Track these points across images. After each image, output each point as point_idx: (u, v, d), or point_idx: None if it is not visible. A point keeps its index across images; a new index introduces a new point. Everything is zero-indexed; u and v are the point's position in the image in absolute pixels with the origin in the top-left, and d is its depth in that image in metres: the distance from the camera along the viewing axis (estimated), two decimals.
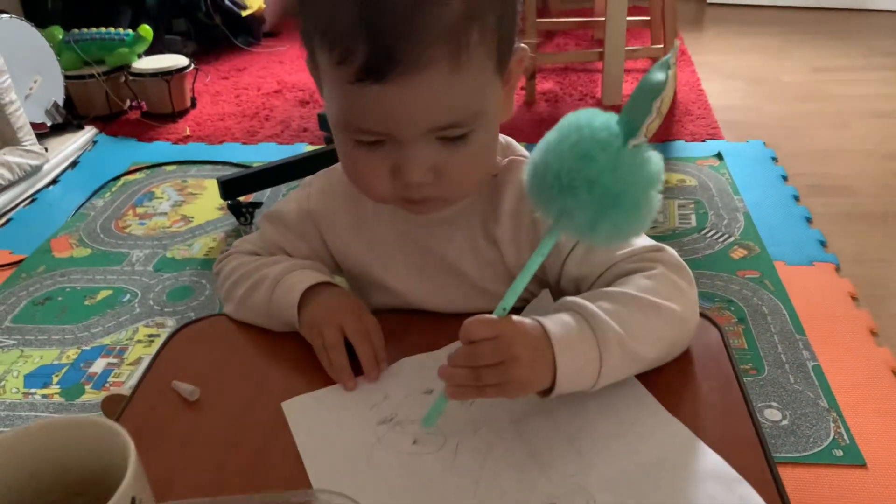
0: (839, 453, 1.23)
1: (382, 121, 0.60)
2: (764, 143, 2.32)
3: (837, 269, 1.72)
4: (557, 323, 0.60)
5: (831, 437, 1.26)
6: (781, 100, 2.66)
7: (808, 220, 1.91)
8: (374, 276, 0.77)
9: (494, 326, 0.57)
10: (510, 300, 0.58)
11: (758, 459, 0.58)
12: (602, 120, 0.54)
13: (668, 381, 0.65)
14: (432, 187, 0.63)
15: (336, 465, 0.59)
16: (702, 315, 0.72)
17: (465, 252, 0.73)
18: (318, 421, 0.64)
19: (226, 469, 0.60)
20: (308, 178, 0.80)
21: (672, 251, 0.68)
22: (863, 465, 1.21)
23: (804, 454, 1.23)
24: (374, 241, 0.75)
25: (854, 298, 1.62)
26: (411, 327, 0.74)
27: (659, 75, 0.53)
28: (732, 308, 1.59)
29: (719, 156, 2.25)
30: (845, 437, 1.26)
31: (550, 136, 0.56)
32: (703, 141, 2.36)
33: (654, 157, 0.55)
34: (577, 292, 0.66)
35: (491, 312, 0.59)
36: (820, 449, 1.24)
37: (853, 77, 2.81)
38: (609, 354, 0.59)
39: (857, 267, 1.72)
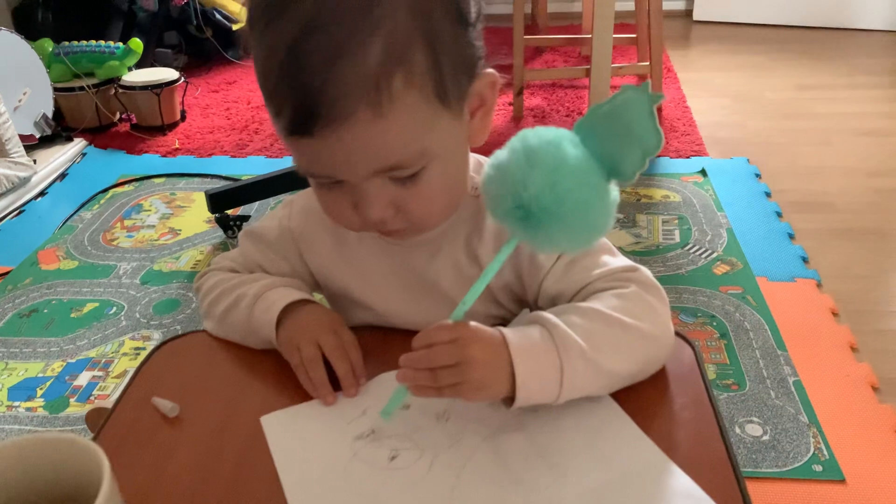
0: (819, 468, 1.25)
1: (323, 168, 0.61)
2: (748, 160, 2.35)
3: (819, 285, 1.73)
4: (518, 333, 0.62)
5: (811, 453, 1.28)
6: (766, 117, 2.69)
7: (791, 236, 1.93)
8: (356, 295, 0.77)
9: (452, 330, 0.61)
10: (470, 301, 0.61)
11: (728, 478, 0.58)
12: (552, 132, 0.59)
13: (641, 398, 0.66)
14: (396, 220, 0.65)
15: (312, 479, 0.60)
16: (675, 333, 0.73)
17: (448, 271, 0.74)
18: (295, 435, 0.65)
19: (204, 485, 0.60)
20: (289, 197, 0.80)
21: (646, 271, 0.70)
22: (842, 481, 1.22)
23: (784, 469, 1.24)
24: (356, 261, 0.76)
25: (835, 314, 1.63)
26: (391, 343, 0.74)
27: (654, 136, 0.57)
28: (715, 323, 1.61)
29: (703, 172, 2.27)
30: (825, 452, 1.28)
31: (502, 155, 0.60)
32: (688, 157, 2.38)
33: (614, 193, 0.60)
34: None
35: None
36: (800, 464, 1.25)
37: (836, 95, 2.84)
38: (570, 365, 0.61)
39: (838, 283, 1.74)
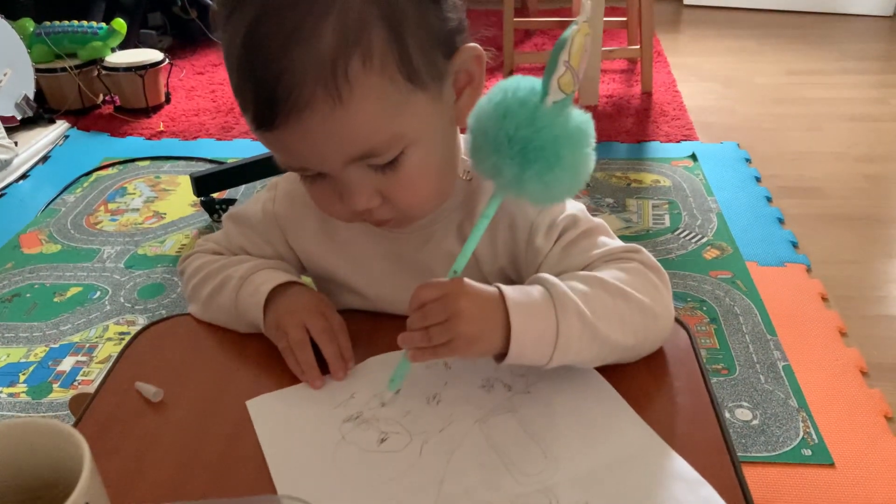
0: (808, 453, 1.25)
1: (296, 161, 0.60)
2: (738, 145, 2.34)
3: (808, 270, 1.73)
4: (516, 289, 0.62)
5: (800, 437, 1.28)
6: (756, 102, 2.69)
7: (781, 221, 1.93)
8: (344, 279, 0.76)
9: (441, 287, 0.60)
10: (461, 263, 0.61)
11: (724, 462, 0.57)
12: (528, 83, 0.58)
13: (637, 381, 0.65)
14: (384, 210, 0.63)
15: (300, 463, 0.59)
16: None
17: (439, 257, 0.72)
18: (282, 419, 0.63)
19: (189, 471, 0.59)
20: (274, 180, 0.78)
21: (648, 253, 0.68)
22: (831, 465, 1.23)
23: (774, 454, 1.25)
24: (345, 245, 0.74)
25: (824, 299, 1.64)
26: (380, 327, 0.73)
27: (566, 34, 0.55)
28: (705, 308, 1.60)
29: (694, 157, 2.27)
30: (814, 436, 1.28)
31: (482, 99, 0.59)
32: (678, 142, 2.38)
33: (578, 115, 0.58)
34: None
35: None
36: (789, 448, 1.26)
37: (826, 80, 2.84)
38: (567, 325, 0.60)
39: (827, 268, 1.74)
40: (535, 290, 0.62)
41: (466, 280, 0.61)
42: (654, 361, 0.67)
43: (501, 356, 0.61)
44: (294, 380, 0.67)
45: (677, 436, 0.59)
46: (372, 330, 0.72)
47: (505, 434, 0.60)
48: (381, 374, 0.67)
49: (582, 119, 0.59)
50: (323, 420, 0.63)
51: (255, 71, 0.55)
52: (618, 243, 0.69)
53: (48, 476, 0.47)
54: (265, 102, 0.55)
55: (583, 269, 0.67)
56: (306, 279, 0.78)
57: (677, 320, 0.71)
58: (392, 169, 0.60)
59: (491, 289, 0.61)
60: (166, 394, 0.66)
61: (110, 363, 0.73)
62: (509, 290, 0.61)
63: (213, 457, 0.60)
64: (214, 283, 0.74)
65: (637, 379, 0.65)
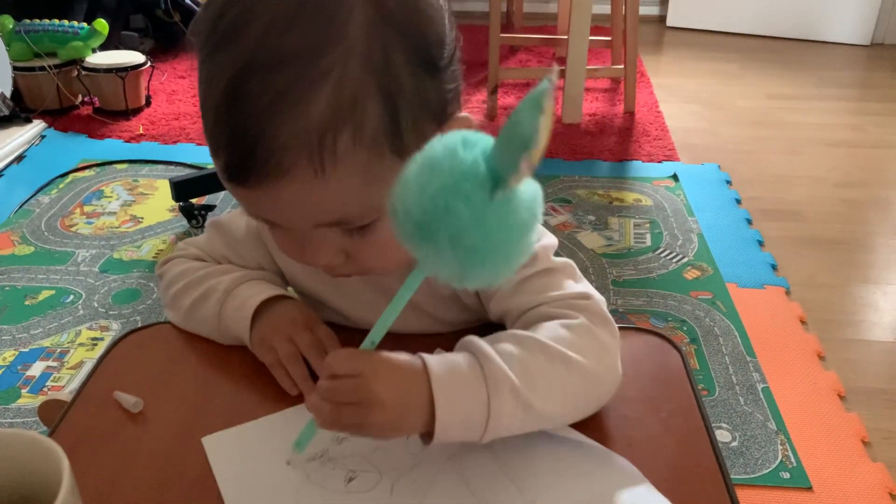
0: (786, 475, 1.25)
1: (262, 214, 0.56)
2: (719, 167, 2.36)
3: (787, 293, 1.75)
4: (444, 363, 0.56)
5: (779, 460, 1.28)
6: (736, 124, 2.71)
7: (760, 243, 1.94)
8: (327, 300, 0.73)
9: (356, 362, 0.54)
10: (379, 333, 0.54)
11: (718, 487, 0.57)
12: (470, 160, 0.45)
13: (628, 405, 0.64)
14: (347, 267, 0.59)
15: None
16: (662, 337, 0.72)
17: (420, 288, 0.70)
18: (241, 457, 0.59)
19: (170, 485, 0.57)
20: None
21: (600, 301, 0.64)
22: (809, 489, 1.23)
23: (752, 476, 1.25)
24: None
25: (803, 322, 1.65)
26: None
27: (528, 127, 0.42)
28: (685, 328, 1.61)
29: (675, 177, 2.28)
30: (792, 459, 1.28)
31: (411, 171, 0.46)
32: (660, 162, 2.39)
33: (526, 197, 0.46)
34: (503, 327, 0.64)
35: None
36: (768, 471, 1.26)
37: (805, 106, 2.88)
38: (499, 402, 0.54)
39: (806, 291, 1.76)
40: (465, 363, 0.56)
41: (385, 356, 0.55)
42: (646, 383, 0.66)
43: (428, 434, 0.55)
44: (280, 392, 0.65)
45: (670, 459, 0.59)
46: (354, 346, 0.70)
47: (480, 472, 0.57)
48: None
49: (528, 200, 0.47)
50: (285, 458, 0.58)
51: (236, 125, 0.50)
52: (574, 289, 0.65)
53: (24, 489, 0.45)
54: (241, 160, 0.51)
55: (531, 308, 0.64)
56: (291, 290, 0.76)
57: (669, 340, 0.71)
58: (362, 234, 0.56)
59: (413, 363, 0.55)
60: (146, 404, 0.64)
61: (85, 370, 0.70)
62: (435, 365, 0.55)
63: (194, 470, 0.58)
64: (197, 293, 0.72)
65: (629, 402, 0.64)
